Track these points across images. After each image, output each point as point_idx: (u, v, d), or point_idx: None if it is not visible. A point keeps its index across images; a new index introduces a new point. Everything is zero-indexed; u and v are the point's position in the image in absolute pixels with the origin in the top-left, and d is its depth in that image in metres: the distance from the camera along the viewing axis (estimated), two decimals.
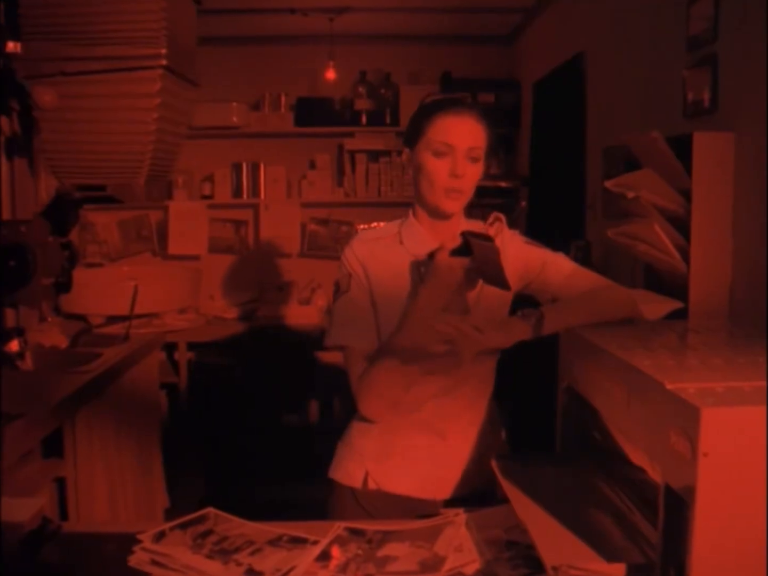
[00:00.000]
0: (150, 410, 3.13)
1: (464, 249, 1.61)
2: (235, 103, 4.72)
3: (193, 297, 4.45)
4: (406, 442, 1.76)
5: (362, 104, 4.83)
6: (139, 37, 1.93)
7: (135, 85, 1.96)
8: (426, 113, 1.70)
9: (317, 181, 4.89)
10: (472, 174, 1.68)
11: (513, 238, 1.80)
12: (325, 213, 4.96)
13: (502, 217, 1.77)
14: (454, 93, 1.81)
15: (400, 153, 5.00)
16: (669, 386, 1.08)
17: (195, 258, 4.86)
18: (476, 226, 1.77)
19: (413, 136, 1.72)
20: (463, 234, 1.62)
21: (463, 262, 1.60)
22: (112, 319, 3.69)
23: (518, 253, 1.77)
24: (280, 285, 4.73)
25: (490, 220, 1.76)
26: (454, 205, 1.70)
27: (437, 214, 1.74)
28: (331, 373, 4.14)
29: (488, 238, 1.60)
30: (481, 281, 1.68)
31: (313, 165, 4.95)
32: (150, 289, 3.76)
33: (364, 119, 4.84)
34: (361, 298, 1.73)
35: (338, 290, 1.75)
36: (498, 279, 1.58)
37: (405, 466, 1.76)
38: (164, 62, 1.95)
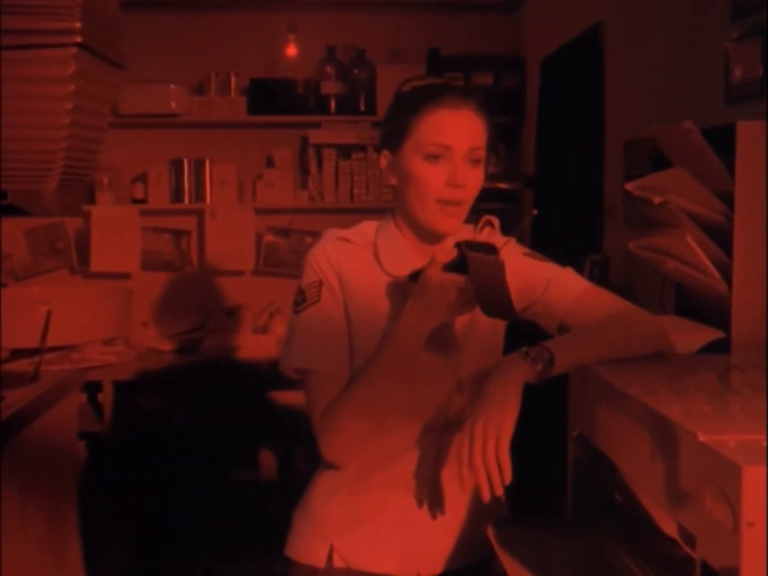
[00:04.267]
0: (65, 467, 3.09)
1: (460, 264, 1.58)
2: (173, 86, 4.71)
3: (122, 325, 4.42)
4: (378, 506, 1.75)
5: (330, 87, 4.83)
6: (47, 6, 1.90)
7: (43, 67, 1.93)
8: (411, 106, 1.68)
9: (276, 181, 4.89)
10: (474, 181, 1.68)
11: (508, 248, 1.78)
12: (286, 221, 4.95)
13: (495, 221, 1.76)
14: (438, 76, 1.80)
15: (377, 149, 4.92)
16: (703, 438, 1.07)
17: (124, 276, 4.84)
18: (467, 232, 1.76)
19: (396, 136, 1.70)
20: (459, 245, 1.59)
21: (457, 279, 1.57)
22: (18, 353, 3.66)
23: (516, 267, 1.74)
24: (230, 309, 4.71)
25: (480, 225, 1.75)
26: (452, 223, 1.69)
27: (428, 236, 1.73)
28: (291, 417, 4.12)
29: (491, 250, 1.57)
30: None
31: (270, 162, 4.95)
32: (67, 315, 3.73)
33: (332, 106, 4.85)
34: (334, 312, 1.71)
35: (304, 300, 1.72)
36: (501, 302, 1.54)
37: (379, 536, 1.75)
38: (79, 39, 1.92)
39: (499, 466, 1.46)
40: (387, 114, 1.76)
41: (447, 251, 1.59)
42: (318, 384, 1.69)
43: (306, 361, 1.70)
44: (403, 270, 1.70)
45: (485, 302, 1.56)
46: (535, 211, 1.69)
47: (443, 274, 1.57)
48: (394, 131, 1.70)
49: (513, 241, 1.81)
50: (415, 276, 1.62)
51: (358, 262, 1.74)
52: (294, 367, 1.72)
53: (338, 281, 1.72)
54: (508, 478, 1.47)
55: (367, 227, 1.80)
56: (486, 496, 1.47)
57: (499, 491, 1.47)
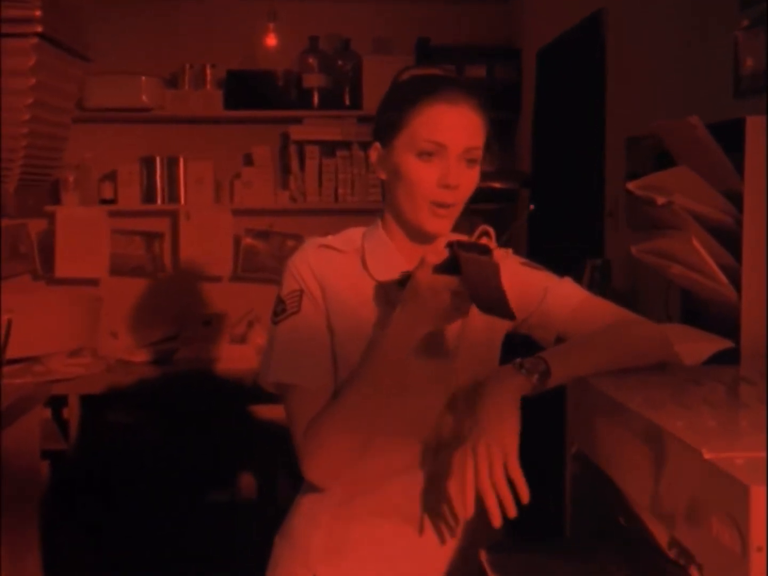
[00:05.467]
0: (26, 488, 3.08)
1: (452, 265, 1.58)
2: (144, 77, 4.69)
3: (89, 335, 4.40)
4: (365, 534, 1.74)
5: (313, 80, 4.83)
6: None
7: (1, 59, 1.91)
8: (407, 98, 1.68)
9: (255, 181, 4.88)
10: (468, 182, 1.69)
11: (506, 259, 1.79)
12: (266, 223, 4.96)
13: (492, 231, 1.77)
14: (438, 65, 1.80)
15: (363, 145, 5.03)
16: (708, 455, 1.07)
17: (92, 282, 4.83)
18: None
19: (389, 127, 1.70)
20: (450, 245, 1.60)
21: (450, 281, 1.57)
22: None
23: (514, 278, 1.75)
24: (206, 318, 4.71)
25: (476, 234, 1.75)
26: (442, 224, 1.70)
27: (418, 235, 1.73)
28: (273, 434, 4.11)
29: (484, 250, 1.57)
30: (473, 309, 1.66)
31: (249, 160, 4.95)
32: (29, 324, 3.72)
33: (315, 100, 4.84)
34: (316, 322, 1.71)
35: (284, 310, 1.72)
36: (498, 305, 1.54)
37: (365, 566, 1.74)
38: (39, 28, 1.90)
39: (514, 486, 1.47)
40: (381, 104, 1.76)
41: (437, 252, 1.59)
42: (299, 399, 1.69)
43: (286, 375, 1.70)
44: (391, 275, 1.71)
45: (481, 301, 1.57)
46: (533, 207, 1.70)
47: (434, 276, 1.58)
48: (387, 123, 1.70)
49: (511, 251, 1.82)
50: (404, 281, 1.62)
51: (343, 269, 1.74)
52: (273, 382, 1.71)
53: (320, 290, 1.71)
54: (525, 496, 1.47)
55: (354, 233, 1.80)
56: (497, 521, 1.47)
57: (513, 512, 1.47)
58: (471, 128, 1.67)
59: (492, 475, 1.47)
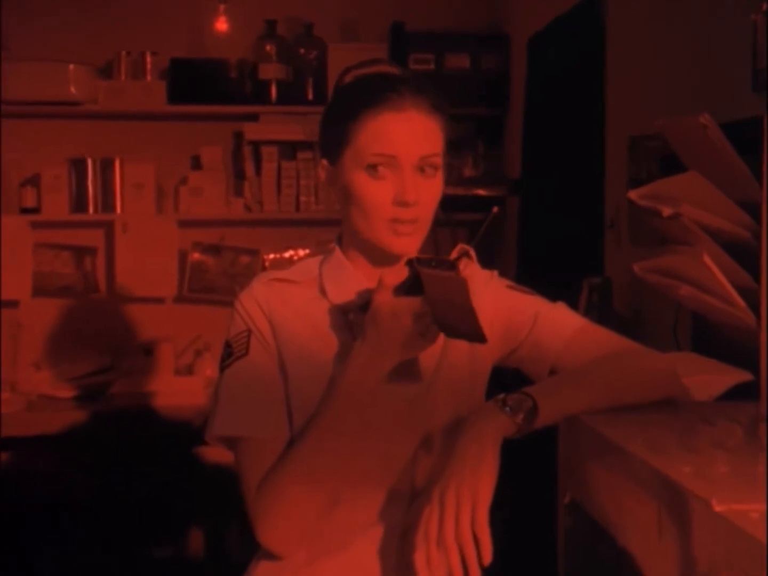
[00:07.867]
0: None
1: (414, 284, 1.60)
2: (73, 66, 4.67)
3: (8, 366, 4.38)
4: None
5: (271, 71, 4.84)
6: None
7: None
8: (348, 109, 1.69)
9: (204, 187, 4.88)
10: (429, 195, 1.69)
11: (490, 282, 1.81)
12: (216, 236, 4.95)
13: (472, 251, 1.78)
14: (388, 61, 1.80)
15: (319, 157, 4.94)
16: (718, 507, 1.07)
17: (11, 305, 4.79)
18: None
19: (334, 143, 1.72)
20: (411, 262, 1.62)
21: (411, 303, 1.59)
22: None
23: (500, 303, 1.78)
24: (147, 346, 4.69)
25: (454, 255, 1.76)
26: (407, 243, 1.70)
27: (381, 257, 1.74)
28: (223, 481, 4.09)
29: (449, 266, 1.58)
30: (450, 341, 1.67)
31: (197, 163, 4.95)
32: None
33: (273, 93, 4.85)
34: (265, 365, 1.72)
35: (230, 354, 1.74)
36: (467, 326, 1.56)
37: None
38: None
39: (476, 541, 1.46)
40: (324, 115, 1.78)
41: (396, 271, 1.62)
42: (249, 453, 1.69)
43: (233, 428, 1.71)
44: (350, 297, 1.73)
45: (446, 323, 1.58)
46: (497, 209, 1.71)
47: (395, 298, 1.60)
48: (331, 139, 1.72)
49: (496, 274, 1.83)
50: (366, 305, 1.64)
51: (297, 300, 1.75)
52: (219, 436, 1.72)
53: (270, 328, 1.73)
54: (488, 556, 1.46)
55: (310, 263, 1.82)
56: None
57: (476, 574, 1.46)
58: (424, 134, 1.68)
59: (458, 527, 1.46)
